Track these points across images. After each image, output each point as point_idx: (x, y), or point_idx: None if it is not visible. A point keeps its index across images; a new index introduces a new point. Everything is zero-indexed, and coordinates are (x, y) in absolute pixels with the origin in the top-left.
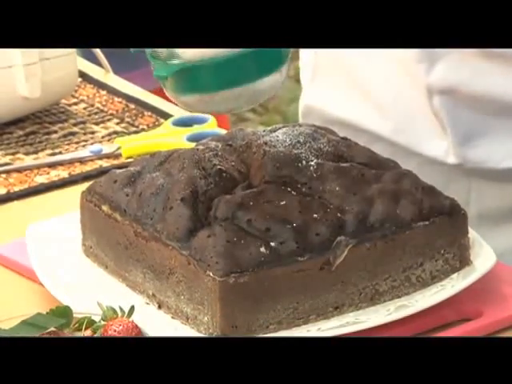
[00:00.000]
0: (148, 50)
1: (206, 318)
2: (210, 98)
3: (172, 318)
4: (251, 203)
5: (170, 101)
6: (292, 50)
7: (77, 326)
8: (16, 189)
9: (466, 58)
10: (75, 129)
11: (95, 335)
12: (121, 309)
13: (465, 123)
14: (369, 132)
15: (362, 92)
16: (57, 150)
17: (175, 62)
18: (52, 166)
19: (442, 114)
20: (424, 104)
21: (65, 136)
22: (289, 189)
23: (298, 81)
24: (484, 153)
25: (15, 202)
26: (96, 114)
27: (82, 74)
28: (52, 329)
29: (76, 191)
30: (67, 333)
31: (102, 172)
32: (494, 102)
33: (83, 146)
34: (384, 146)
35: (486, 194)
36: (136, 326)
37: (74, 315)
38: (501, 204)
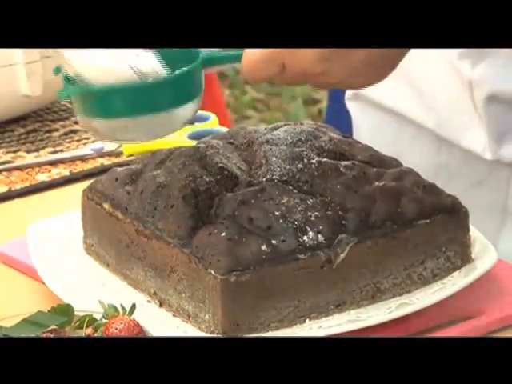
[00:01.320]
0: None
1: (207, 316)
2: (107, 124)
3: (173, 316)
4: (252, 201)
5: None
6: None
7: (78, 324)
8: (17, 187)
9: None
10: (76, 127)
11: (96, 333)
12: (122, 307)
13: (501, 120)
14: (414, 123)
15: (407, 81)
16: (58, 148)
17: (80, 83)
18: (53, 163)
19: (481, 110)
20: (466, 99)
21: (66, 134)
22: (290, 187)
23: None
24: None
25: (16, 200)
26: None
27: None
28: (53, 327)
29: (77, 189)
30: (68, 331)
31: (103, 170)
32: None
33: (84, 143)
34: (430, 136)
35: None
36: (137, 324)
37: (76, 313)
38: None
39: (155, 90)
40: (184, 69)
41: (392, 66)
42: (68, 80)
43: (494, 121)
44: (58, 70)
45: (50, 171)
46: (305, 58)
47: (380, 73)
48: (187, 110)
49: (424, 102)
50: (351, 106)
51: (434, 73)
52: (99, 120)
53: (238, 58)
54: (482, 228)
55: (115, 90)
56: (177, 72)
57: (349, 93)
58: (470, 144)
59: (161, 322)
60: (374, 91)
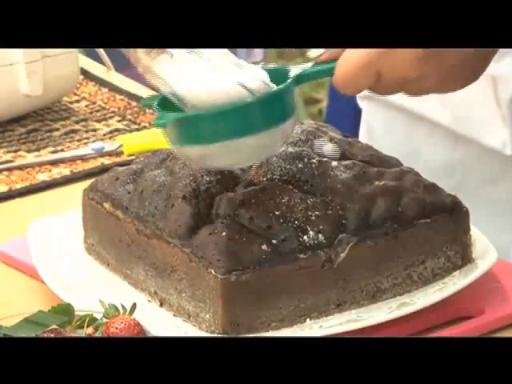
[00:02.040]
0: (154, 103)
1: (207, 316)
2: (211, 150)
3: (174, 315)
4: (253, 201)
5: None
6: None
7: (79, 323)
8: (18, 186)
9: None
10: (77, 126)
11: (97, 333)
12: (123, 306)
13: None
14: (429, 119)
15: None
16: (58, 148)
17: (176, 111)
18: (54, 163)
19: (504, 105)
20: (487, 94)
21: (66, 134)
22: (290, 186)
23: None
24: None
25: (17, 200)
26: (98, 111)
27: (84, 72)
28: (54, 326)
29: (78, 189)
30: (69, 330)
31: (104, 169)
32: None
33: (85, 143)
34: (445, 133)
35: None
36: (138, 323)
37: (76, 313)
38: None
39: (259, 108)
40: (280, 87)
41: (485, 64)
42: (162, 105)
43: None
44: (147, 100)
45: (50, 171)
46: (400, 61)
47: (474, 72)
48: (286, 128)
49: (439, 99)
50: (364, 104)
51: None
52: (193, 146)
53: (331, 72)
54: (496, 225)
55: (222, 112)
56: (273, 90)
57: (362, 94)
58: (490, 140)
59: (161, 322)
60: None
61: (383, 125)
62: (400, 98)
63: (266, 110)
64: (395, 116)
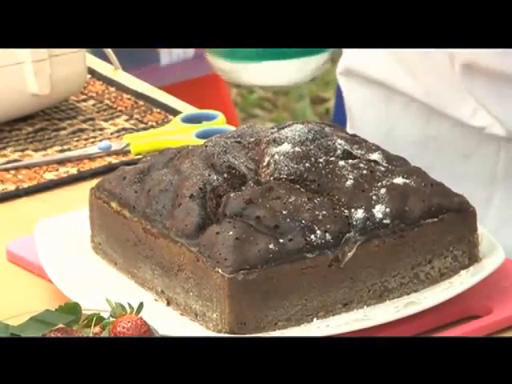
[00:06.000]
0: None
1: (214, 315)
2: (252, 67)
3: (181, 314)
4: (260, 200)
5: (179, 97)
6: None
7: (85, 322)
8: (25, 185)
9: None
10: (84, 125)
11: (104, 332)
12: (130, 305)
13: (479, 90)
14: (404, 94)
15: (397, 55)
16: (66, 147)
17: None
18: (61, 162)
19: (462, 80)
20: (450, 69)
21: (74, 133)
22: (297, 186)
23: None
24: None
25: (24, 199)
26: (105, 110)
27: (91, 71)
28: (61, 325)
29: (85, 188)
30: (76, 330)
31: (111, 169)
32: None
33: (92, 142)
34: (419, 107)
35: None
36: (145, 322)
37: (83, 312)
38: None
39: None
40: None
41: None
42: None
43: (473, 90)
44: None
45: (57, 170)
46: None
47: None
48: (317, 60)
49: (412, 72)
50: (342, 81)
51: None
52: (233, 63)
53: None
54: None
55: None
56: None
57: (340, 67)
58: (457, 111)
59: (168, 321)
60: (364, 65)
61: (362, 101)
62: (377, 73)
63: None
64: (373, 92)
